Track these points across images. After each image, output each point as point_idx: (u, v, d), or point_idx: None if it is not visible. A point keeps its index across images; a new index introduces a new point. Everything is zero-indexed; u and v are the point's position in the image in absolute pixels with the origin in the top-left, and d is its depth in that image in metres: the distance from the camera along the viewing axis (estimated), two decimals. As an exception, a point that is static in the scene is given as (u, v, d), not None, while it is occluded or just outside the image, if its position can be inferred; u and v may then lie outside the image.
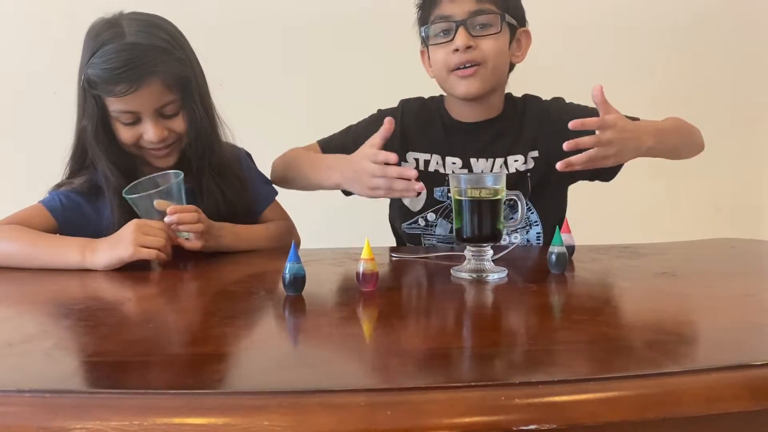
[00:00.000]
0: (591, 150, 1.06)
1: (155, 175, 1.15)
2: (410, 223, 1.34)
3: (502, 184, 0.98)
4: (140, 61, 1.11)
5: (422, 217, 1.34)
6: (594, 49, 2.16)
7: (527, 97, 1.37)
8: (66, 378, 0.58)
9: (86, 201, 1.19)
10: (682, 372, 0.55)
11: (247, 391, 0.53)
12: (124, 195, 1.11)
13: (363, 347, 0.68)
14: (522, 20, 1.30)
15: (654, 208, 2.22)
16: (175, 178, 1.13)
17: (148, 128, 1.15)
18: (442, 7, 1.24)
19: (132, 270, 1.02)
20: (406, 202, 1.34)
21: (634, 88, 2.16)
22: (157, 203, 1.09)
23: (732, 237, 1.30)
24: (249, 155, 1.38)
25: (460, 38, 1.21)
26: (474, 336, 0.70)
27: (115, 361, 0.61)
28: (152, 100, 1.14)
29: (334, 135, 1.40)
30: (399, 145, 1.33)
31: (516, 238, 1.29)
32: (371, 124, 1.35)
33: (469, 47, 1.21)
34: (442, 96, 1.38)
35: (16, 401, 0.52)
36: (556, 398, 0.52)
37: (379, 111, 1.39)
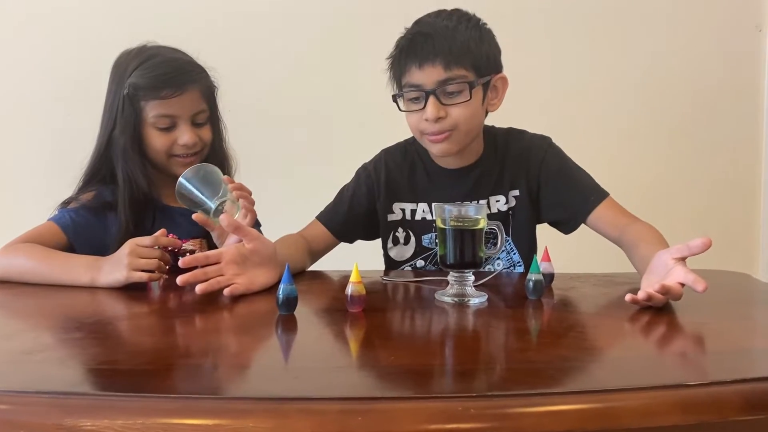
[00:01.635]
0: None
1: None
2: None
3: (484, 215, 1.05)
4: (183, 70, 1.28)
5: (410, 265, 1.37)
6: (584, 66, 2.21)
7: (510, 134, 1.37)
8: (79, 382, 0.66)
9: (94, 216, 1.27)
10: (621, 389, 0.62)
11: (236, 396, 0.61)
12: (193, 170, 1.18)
13: (344, 362, 0.75)
14: (497, 67, 1.28)
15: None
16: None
17: (183, 132, 1.27)
18: (411, 75, 1.23)
19: (137, 288, 1.10)
20: (392, 253, 1.38)
21: (625, 107, 2.25)
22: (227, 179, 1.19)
23: (718, 265, 1.36)
24: None
25: (431, 110, 1.21)
26: (445, 354, 0.77)
27: (122, 369, 0.69)
28: (190, 106, 1.28)
29: (332, 206, 1.40)
30: (385, 196, 1.36)
31: (499, 265, 1.35)
32: (360, 182, 1.39)
33: (439, 118, 1.22)
34: None
35: (36, 401, 0.60)
36: (508, 410, 0.60)
37: (363, 166, 1.41)
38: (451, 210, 1.05)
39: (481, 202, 1.33)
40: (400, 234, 1.37)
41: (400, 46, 1.27)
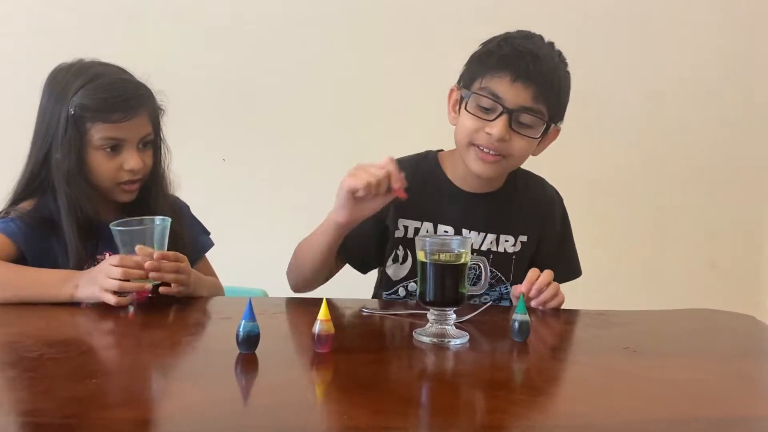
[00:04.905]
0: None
1: (144, 218, 1.17)
2: (390, 293, 1.31)
3: (467, 249, 0.98)
4: (135, 93, 1.20)
5: (403, 286, 1.30)
6: (594, 86, 2.16)
7: (531, 179, 1.34)
8: (-11, 439, 0.58)
9: (38, 228, 1.19)
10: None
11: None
12: (111, 227, 1.11)
13: (297, 421, 0.67)
14: (561, 118, 1.25)
15: (649, 261, 2.22)
16: (161, 222, 1.14)
17: (130, 157, 1.20)
18: (499, 82, 1.16)
19: (94, 315, 1.04)
20: (389, 271, 1.30)
21: (636, 143, 2.21)
22: (139, 249, 1.10)
23: (724, 294, 1.30)
24: (188, 207, 1.40)
25: (499, 129, 1.15)
26: (409, 414, 0.69)
27: (44, 422, 0.62)
28: (139, 129, 1.21)
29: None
30: (393, 211, 1.26)
31: (486, 300, 1.27)
32: None
33: (502, 139, 1.16)
34: (436, 153, 1.33)
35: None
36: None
37: None
38: (432, 242, 0.98)
39: (489, 235, 1.28)
40: (400, 252, 1.29)
41: (502, 49, 1.19)
